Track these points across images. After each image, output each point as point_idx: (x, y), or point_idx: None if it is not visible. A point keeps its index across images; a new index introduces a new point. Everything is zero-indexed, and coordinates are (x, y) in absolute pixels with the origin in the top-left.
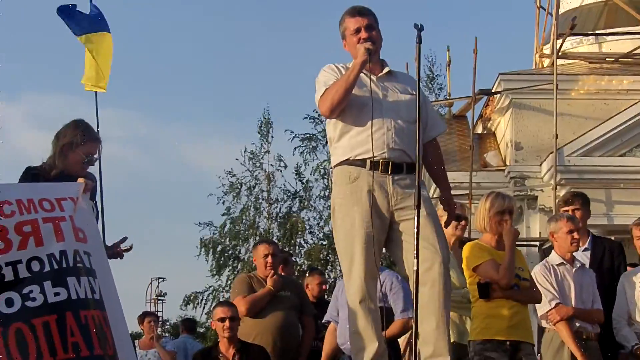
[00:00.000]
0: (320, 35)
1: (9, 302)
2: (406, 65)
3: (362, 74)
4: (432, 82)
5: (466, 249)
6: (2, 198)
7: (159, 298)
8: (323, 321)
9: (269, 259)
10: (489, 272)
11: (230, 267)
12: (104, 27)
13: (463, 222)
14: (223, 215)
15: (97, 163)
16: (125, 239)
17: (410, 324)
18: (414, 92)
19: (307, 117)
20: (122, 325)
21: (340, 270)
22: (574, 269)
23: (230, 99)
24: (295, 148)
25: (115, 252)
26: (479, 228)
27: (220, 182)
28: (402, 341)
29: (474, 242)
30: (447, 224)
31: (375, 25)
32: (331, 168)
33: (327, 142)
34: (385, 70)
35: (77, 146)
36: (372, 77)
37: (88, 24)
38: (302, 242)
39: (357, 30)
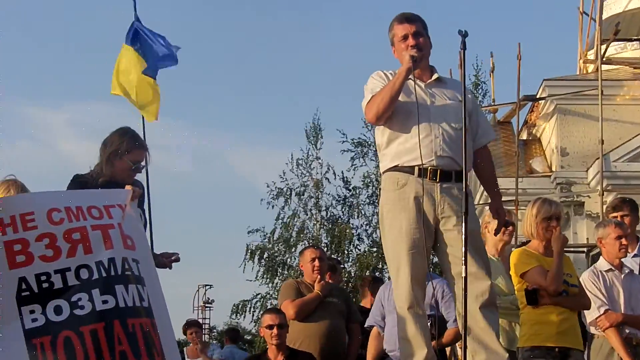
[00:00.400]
0: (373, 38)
1: (58, 310)
2: (450, 71)
3: (410, 81)
4: (478, 88)
5: (514, 255)
6: (51, 205)
7: (207, 305)
8: (366, 325)
9: (316, 262)
10: (537, 279)
11: (280, 275)
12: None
13: (510, 228)
14: (276, 219)
15: (144, 170)
16: (176, 255)
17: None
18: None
19: (363, 120)
20: (169, 332)
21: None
22: (622, 275)
23: (278, 106)
24: (343, 151)
25: (162, 261)
26: (526, 234)
27: (270, 188)
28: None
29: (521, 248)
30: (496, 232)
31: (424, 31)
32: (380, 174)
33: (377, 149)
34: (434, 76)
35: (123, 154)
36: (420, 83)
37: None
38: (351, 248)
39: (405, 37)
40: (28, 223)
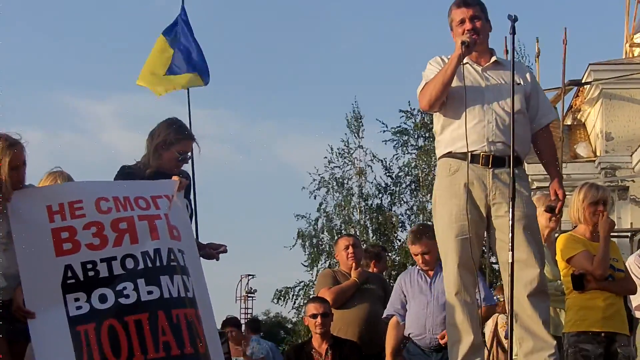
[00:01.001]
0: (418, 28)
1: (103, 299)
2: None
3: (468, 65)
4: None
5: (560, 240)
6: (100, 194)
7: (249, 295)
8: (384, 316)
9: (350, 249)
10: (584, 264)
11: (324, 263)
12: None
13: (558, 215)
14: (317, 210)
15: (190, 161)
16: (224, 247)
17: (490, 312)
18: (522, 82)
19: (400, 111)
20: (212, 322)
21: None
22: None
23: (319, 95)
24: (385, 142)
25: (210, 252)
26: (573, 219)
27: (312, 178)
28: (488, 335)
29: (568, 233)
30: (551, 210)
31: (482, 15)
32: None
33: (417, 136)
34: (492, 59)
35: (170, 145)
36: (476, 67)
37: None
38: (396, 236)
39: (462, 21)
40: (76, 211)
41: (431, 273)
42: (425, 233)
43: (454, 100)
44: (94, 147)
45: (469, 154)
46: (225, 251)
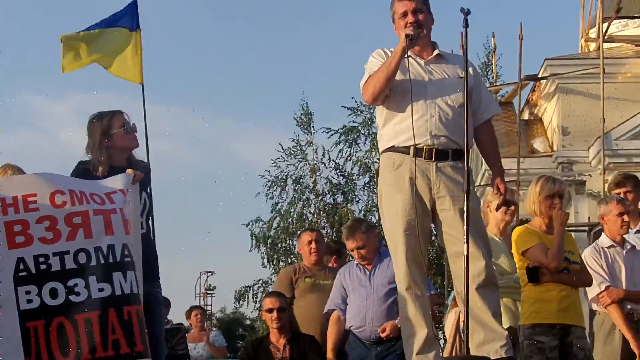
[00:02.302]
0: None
1: (54, 293)
2: (451, 52)
3: (411, 59)
4: (488, 69)
5: (515, 233)
6: (55, 187)
7: (208, 292)
8: (325, 311)
9: (313, 245)
10: (538, 256)
11: (282, 262)
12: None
13: (512, 208)
14: (271, 212)
15: (146, 158)
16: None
17: (434, 301)
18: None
19: (345, 108)
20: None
21: None
22: (624, 251)
23: (274, 92)
24: (334, 144)
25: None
26: (528, 212)
27: (265, 178)
28: (449, 329)
29: (523, 226)
30: (498, 207)
31: (424, 7)
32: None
33: (368, 132)
34: (435, 53)
35: (109, 130)
36: (419, 60)
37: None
38: None
39: (405, 14)
40: (30, 205)
41: (370, 266)
42: (358, 228)
43: (397, 94)
44: (49, 144)
45: (413, 147)
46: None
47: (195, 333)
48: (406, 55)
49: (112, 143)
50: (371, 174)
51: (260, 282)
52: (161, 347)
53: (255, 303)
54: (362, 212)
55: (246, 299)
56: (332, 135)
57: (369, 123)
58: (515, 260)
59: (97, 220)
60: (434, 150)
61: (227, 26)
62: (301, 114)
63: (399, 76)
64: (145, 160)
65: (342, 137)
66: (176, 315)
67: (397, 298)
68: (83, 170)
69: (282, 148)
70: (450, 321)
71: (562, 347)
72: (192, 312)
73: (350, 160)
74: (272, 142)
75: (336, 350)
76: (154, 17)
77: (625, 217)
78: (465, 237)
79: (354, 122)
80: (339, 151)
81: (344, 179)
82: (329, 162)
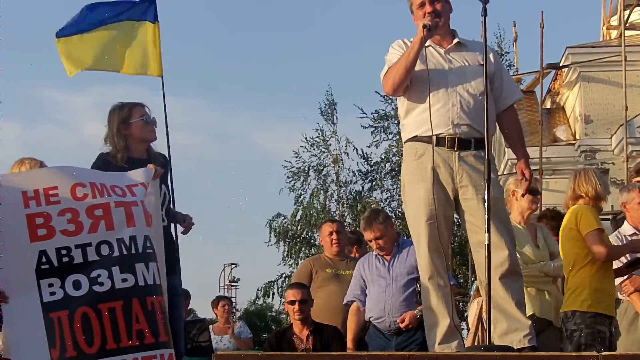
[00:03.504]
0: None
1: (77, 285)
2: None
3: (431, 48)
4: (501, 58)
5: (580, 211)
6: (76, 180)
7: (232, 284)
8: (344, 302)
9: (334, 236)
10: (595, 242)
11: (303, 254)
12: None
13: (538, 197)
14: (294, 204)
15: (166, 151)
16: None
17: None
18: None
19: (377, 93)
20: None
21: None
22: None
23: (296, 83)
24: (364, 127)
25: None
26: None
27: (287, 169)
28: (472, 319)
29: (585, 206)
30: (524, 194)
31: None
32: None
33: (399, 122)
34: (455, 41)
35: (128, 119)
36: (439, 50)
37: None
38: None
39: (422, 4)
40: (51, 197)
41: (388, 257)
42: (375, 218)
43: (417, 84)
44: (72, 138)
45: (434, 137)
46: (189, 223)
47: (221, 324)
48: (425, 45)
49: (130, 132)
50: (392, 165)
51: (284, 276)
52: (180, 337)
53: (281, 297)
54: (387, 202)
55: (270, 295)
56: (363, 117)
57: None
58: (568, 237)
59: (118, 212)
60: (456, 139)
61: (247, 17)
62: (325, 105)
63: (418, 66)
64: (165, 153)
65: (374, 123)
66: (200, 307)
67: (419, 287)
68: (104, 162)
69: (306, 139)
70: (473, 311)
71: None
72: (219, 302)
73: (378, 147)
74: (296, 134)
75: (356, 341)
76: (173, 9)
77: None
78: (487, 226)
79: (383, 110)
80: (371, 133)
81: (370, 167)
82: (353, 151)
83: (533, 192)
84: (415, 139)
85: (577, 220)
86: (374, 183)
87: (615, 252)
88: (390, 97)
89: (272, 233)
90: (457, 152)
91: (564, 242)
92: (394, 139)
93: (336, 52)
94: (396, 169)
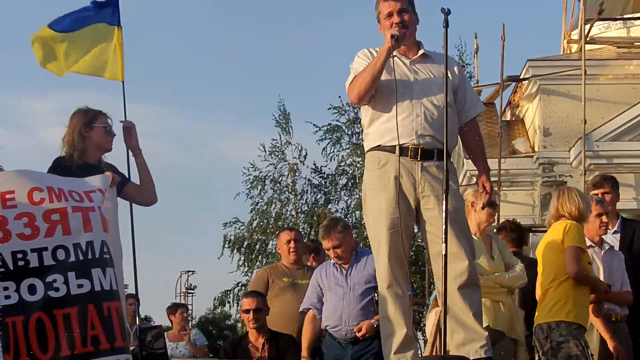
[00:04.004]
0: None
1: (32, 290)
2: (434, 51)
3: (396, 58)
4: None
5: (574, 226)
6: (33, 184)
7: (189, 291)
8: (301, 310)
9: (292, 244)
10: (574, 259)
11: (260, 262)
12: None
13: (495, 209)
14: (250, 212)
15: (126, 157)
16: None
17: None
18: (450, 75)
19: (330, 108)
20: (125, 315)
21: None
22: (602, 252)
23: (257, 92)
24: (317, 141)
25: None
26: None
27: (245, 177)
28: (430, 329)
29: (576, 223)
30: (484, 205)
31: (410, 8)
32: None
33: (351, 133)
34: (420, 52)
35: (91, 122)
36: (404, 60)
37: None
38: None
39: (390, 15)
40: (8, 202)
41: (346, 265)
42: (334, 227)
43: (382, 94)
44: (30, 143)
45: (399, 146)
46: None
47: (176, 332)
48: (392, 55)
49: (90, 135)
50: (348, 176)
51: (240, 284)
52: None
53: (237, 306)
54: (343, 213)
55: (226, 304)
56: (316, 131)
57: (353, 122)
58: (554, 249)
59: (75, 217)
60: (419, 149)
61: (212, 25)
62: (279, 115)
63: (384, 76)
64: (125, 160)
65: (327, 135)
66: (159, 315)
67: (377, 296)
68: (60, 167)
69: (264, 148)
70: (431, 321)
71: None
72: (177, 309)
73: (332, 159)
74: (257, 142)
75: (311, 350)
76: (135, 15)
77: (604, 218)
78: (444, 236)
79: (337, 121)
80: (323, 149)
81: (324, 180)
82: (308, 162)
83: (491, 204)
84: (378, 148)
85: (564, 233)
86: (329, 195)
87: (584, 277)
88: (354, 105)
89: (227, 243)
90: (420, 162)
91: (547, 254)
92: (348, 149)
93: (293, 63)
94: (352, 182)
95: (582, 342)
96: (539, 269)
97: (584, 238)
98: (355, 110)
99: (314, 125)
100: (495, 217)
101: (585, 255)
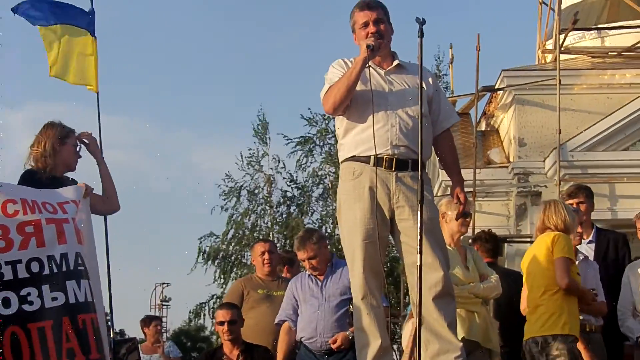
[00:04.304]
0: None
1: (6, 303)
2: (409, 62)
3: (371, 69)
4: (440, 80)
5: (562, 237)
6: (7, 197)
7: (164, 303)
8: (276, 322)
9: (266, 256)
10: (564, 270)
11: (235, 274)
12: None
13: (468, 219)
14: (227, 224)
15: (97, 167)
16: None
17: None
18: (425, 86)
19: (302, 118)
20: (104, 327)
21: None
22: (577, 262)
23: (232, 103)
24: (290, 153)
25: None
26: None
27: (220, 189)
28: (406, 340)
29: (564, 234)
30: (457, 216)
31: (385, 18)
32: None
33: (323, 144)
34: (395, 63)
35: (65, 138)
36: (379, 71)
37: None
38: None
39: (366, 24)
40: None
41: (321, 277)
42: (309, 238)
43: (357, 104)
44: (4, 155)
45: (374, 157)
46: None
47: (150, 344)
48: (367, 66)
49: (62, 150)
50: (324, 186)
51: (215, 297)
52: None
53: (212, 318)
54: (317, 224)
55: (202, 316)
56: (288, 143)
57: (324, 134)
58: (546, 259)
59: (49, 229)
60: (394, 160)
61: (187, 34)
62: (258, 124)
63: (359, 86)
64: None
65: (299, 147)
66: (133, 328)
67: (352, 308)
68: (31, 179)
69: (242, 158)
70: (407, 331)
71: None
72: (151, 322)
73: (305, 170)
74: (233, 153)
75: None
76: (109, 26)
77: (578, 228)
78: (419, 247)
79: (309, 133)
80: (297, 160)
81: (298, 191)
82: (285, 173)
83: (464, 214)
84: (353, 158)
85: (553, 244)
86: (303, 207)
87: (575, 288)
88: (326, 116)
89: (201, 255)
90: (394, 173)
91: (535, 266)
92: (321, 160)
93: (271, 73)
94: (325, 190)
95: (578, 353)
96: (526, 281)
97: (572, 248)
98: (326, 122)
99: (285, 137)
100: (469, 227)
101: (574, 266)
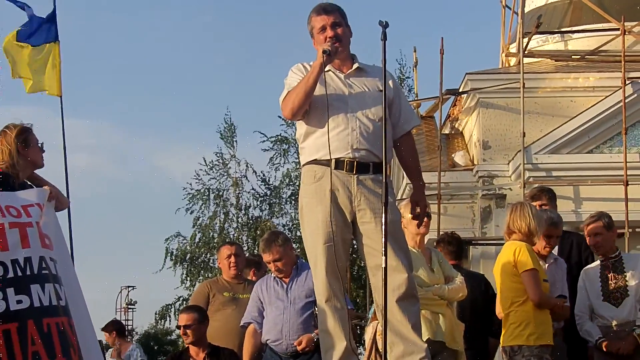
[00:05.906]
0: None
1: None
2: (372, 65)
3: (331, 73)
4: (402, 84)
5: (522, 248)
6: None
7: (129, 307)
8: (241, 324)
9: (232, 259)
10: (533, 283)
11: (202, 277)
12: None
13: (427, 220)
14: (193, 227)
15: (63, 171)
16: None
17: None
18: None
19: (281, 118)
20: (89, 331)
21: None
22: (547, 265)
23: (198, 105)
24: (265, 150)
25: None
26: (522, 232)
27: (186, 192)
28: (367, 342)
29: (525, 243)
30: (419, 224)
31: (343, 21)
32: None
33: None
34: (355, 66)
35: (27, 140)
36: (339, 74)
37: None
38: None
39: (323, 29)
40: None
41: (287, 279)
42: (275, 240)
43: (317, 108)
44: None
45: (333, 160)
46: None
47: (113, 353)
48: (325, 70)
49: (27, 153)
50: (294, 188)
51: (181, 299)
52: None
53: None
54: (287, 227)
55: (167, 318)
56: (264, 141)
57: None
58: (507, 274)
59: (13, 233)
60: (355, 163)
61: (151, 37)
62: (225, 128)
63: (318, 91)
64: (63, 174)
65: (275, 146)
66: (97, 330)
67: (316, 310)
68: (6, 182)
69: (205, 162)
70: (368, 334)
71: None
72: (107, 332)
73: (278, 170)
74: (198, 156)
75: None
76: (72, 29)
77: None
78: (383, 249)
79: (285, 132)
80: (270, 158)
81: (270, 191)
82: (253, 175)
83: (418, 216)
84: (314, 162)
85: (515, 258)
86: (273, 207)
87: (546, 301)
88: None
89: (169, 256)
90: (355, 176)
91: (503, 277)
92: (294, 161)
93: (239, 75)
94: (296, 194)
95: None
96: (499, 288)
97: (535, 256)
98: None
99: (261, 134)
100: (429, 228)
101: (541, 273)
